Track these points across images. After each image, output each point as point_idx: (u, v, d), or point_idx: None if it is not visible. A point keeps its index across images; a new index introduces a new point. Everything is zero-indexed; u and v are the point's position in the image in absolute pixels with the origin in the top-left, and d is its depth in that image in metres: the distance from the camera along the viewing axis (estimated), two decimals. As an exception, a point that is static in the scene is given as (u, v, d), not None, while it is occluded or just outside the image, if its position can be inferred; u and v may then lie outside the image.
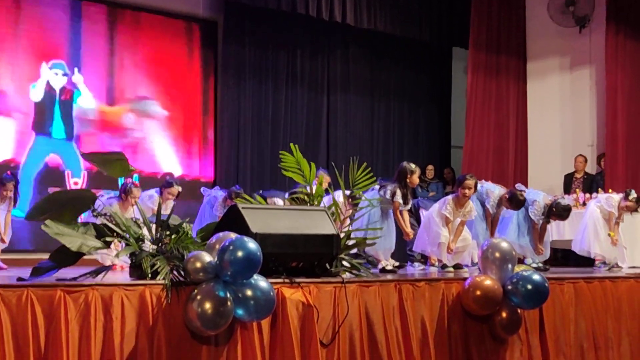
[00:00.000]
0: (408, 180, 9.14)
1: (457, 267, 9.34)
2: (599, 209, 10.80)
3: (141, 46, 14.24)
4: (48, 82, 13.15)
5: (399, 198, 9.08)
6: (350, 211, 8.10)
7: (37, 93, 13.09)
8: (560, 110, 15.73)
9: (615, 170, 14.33)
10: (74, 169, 13.40)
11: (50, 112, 13.23)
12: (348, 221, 7.90)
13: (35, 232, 11.39)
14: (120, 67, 14.01)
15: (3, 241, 10.06)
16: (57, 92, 13.30)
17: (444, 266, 9.35)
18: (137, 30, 14.21)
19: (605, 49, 14.82)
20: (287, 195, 10.53)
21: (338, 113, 16.10)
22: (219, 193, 12.12)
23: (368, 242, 7.82)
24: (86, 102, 13.62)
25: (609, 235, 10.56)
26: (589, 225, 10.80)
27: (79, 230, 6.00)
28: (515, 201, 9.75)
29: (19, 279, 5.55)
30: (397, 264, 9.16)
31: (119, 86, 14.00)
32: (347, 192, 7.92)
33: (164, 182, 11.53)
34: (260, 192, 10.53)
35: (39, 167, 13.15)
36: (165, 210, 9.08)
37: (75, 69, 13.45)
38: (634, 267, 10.32)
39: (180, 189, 11.38)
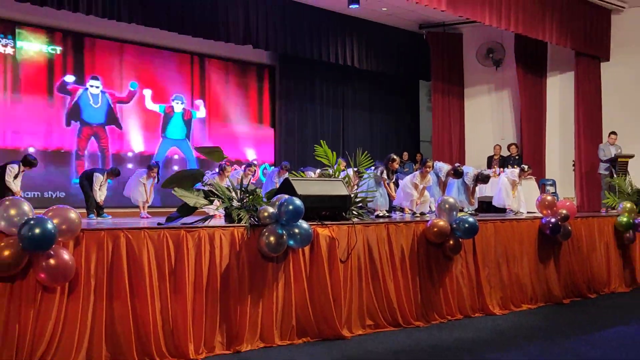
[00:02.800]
0: (390, 164, 9.19)
1: (422, 214, 9.32)
2: (507, 178, 10.80)
3: (230, 82, 14.25)
4: (171, 107, 13.25)
5: (384, 175, 9.12)
6: (357, 181, 8.13)
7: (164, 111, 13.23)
8: (484, 118, 15.67)
9: (525, 152, 14.42)
10: (189, 159, 13.51)
11: (173, 123, 13.36)
12: (356, 188, 7.93)
13: (164, 195, 11.42)
14: (214, 95, 14.03)
15: (147, 201, 10.14)
16: (179, 112, 13.39)
17: (414, 214, 9.35)
18: (226, 72, 14.23)
19: (517, 80, 14.75)
20: (318, 171, 10.55)
21: (350, 122, 16.07)
22: (274, 169, 12.24)
23: (368, 200, 7.86)
24: (200, 115, 13.73)
25: (512, 194, 10.66)
26: (502, 188, 10.77)
27: (194, 194, 6.06)
28: (456, 172, 9.78)
29: (159, 224, 5.61)
30: (386, 214, 9.16)
31: (217, 108, 14.04)
32: (355, 169, 7.93)
33: (247, 164, 11.62)
34: (301, 168, 10.56)
35: (165, 155, 13.25)
36: (246, 181, 9.12)
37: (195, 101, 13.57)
38: (529, 213, 10.25)
39: (256, 169, 11.50)
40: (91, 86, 12.15)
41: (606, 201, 10.51)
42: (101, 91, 12.28)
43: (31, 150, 11.16)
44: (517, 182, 10.72)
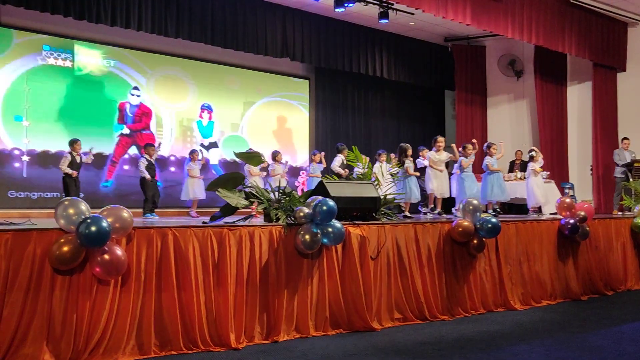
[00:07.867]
0: (407, 154, 9.24)
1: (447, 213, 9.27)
2: (532, 178, 10.51)
3: (272, 92, 14.32)
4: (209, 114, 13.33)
5: (408, 164, 9.06)
6: (391, 185, 8.14)
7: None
8: (506, 125, 15.55)
9: (548, 157, 14.15)
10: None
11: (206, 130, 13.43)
12: (386, 190, 7.89)
13: (209, 196, 11.53)
14: (252, 104, 14.13)
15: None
16: (212, 120, 13.49)
17: (439, 213, 9.27)
18: (271, 83, 14.29)
19: (535, 89, 14.62)
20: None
21: (379, 129, 16.06)
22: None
23: (395, 200, 7.79)
24: (239, 122, 13.76)
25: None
26: (530, 191, 10.55)
27: (237, 195, 6.08)
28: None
29: (203, 222, 5.63)
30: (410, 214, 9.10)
31: (256, 116, 14.12)
32: (389, 169, 7.96)
33: (274, 152, 11.95)
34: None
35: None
36: (282, 184, 9.18)
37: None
38: (551, 214, 10.10)
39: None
40: (132, 95, 12.33)
41: (623, 203, 10.33)
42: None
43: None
44: (535, 172, 10.46)
